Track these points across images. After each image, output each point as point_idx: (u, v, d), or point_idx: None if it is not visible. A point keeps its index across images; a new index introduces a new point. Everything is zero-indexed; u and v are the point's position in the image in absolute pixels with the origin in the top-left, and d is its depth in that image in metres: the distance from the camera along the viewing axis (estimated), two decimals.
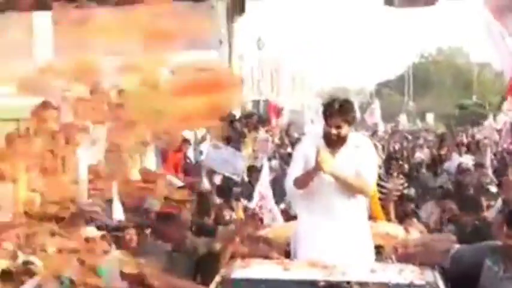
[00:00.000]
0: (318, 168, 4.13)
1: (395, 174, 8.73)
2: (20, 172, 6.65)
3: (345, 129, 4.24)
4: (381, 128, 21.35)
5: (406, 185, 8.92)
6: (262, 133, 12.86)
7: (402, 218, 7.04)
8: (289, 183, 4.44)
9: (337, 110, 4.21)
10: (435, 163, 12.83)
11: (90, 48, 16.42)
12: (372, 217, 6.83)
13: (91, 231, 5.35)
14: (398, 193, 8.51)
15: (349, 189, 4.28)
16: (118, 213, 6.29)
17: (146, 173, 8.28)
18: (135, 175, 8.16)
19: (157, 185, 7.84)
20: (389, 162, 8.86)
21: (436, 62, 57.56)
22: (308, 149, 4.36)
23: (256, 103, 24.19)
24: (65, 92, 9.21)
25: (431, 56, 60.22)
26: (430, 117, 38.46)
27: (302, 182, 4.30)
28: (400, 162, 9.96)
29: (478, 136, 17.92)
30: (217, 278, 3.98)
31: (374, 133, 18.26)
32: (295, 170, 4.40)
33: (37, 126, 7.84)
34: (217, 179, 9.62)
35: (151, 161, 8.66)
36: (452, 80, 53.44)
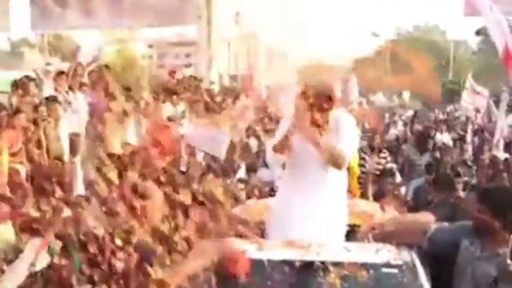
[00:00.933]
0: (294, 127, 4.10)
1: (376, 149, 8.84)
2: (4, 144, 6.79)
3: (326, 116, 4.21)
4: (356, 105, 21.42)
5: (388, 159, 8.99)
6: (243, 99, 12.79)
7: (382, 195, 7.12)
8: (269, 149, 4.40)
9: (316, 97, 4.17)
10: (420, 140, 12.80)
11: (68, 23, 16.26)
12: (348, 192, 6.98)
13: None
14: (381, 167, 8.60)
15: (326, 157, 4.15)
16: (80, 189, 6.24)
17: (127, 147, 8.35)
18: (117, 148, 8.24)
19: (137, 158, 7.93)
20: (369, 137, 8.97)
21: (413, 39, 57.81)
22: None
23: (233, 78, 24.22)
24: (47, 65, 9.38)
25: (408, 33, 60.46)
26: (406, 94, 38.80)
27: (280, 145, 4.23)
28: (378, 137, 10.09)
29: (455, 114, 18.12)
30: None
31: (351, 110, 18.37)
32: (276, 138, 4.34)
33: (20, 99, 7.99)
34: (199, 156, 9.64)
35: (131, 135, 8.71)
36: (429, 57, 53.77)
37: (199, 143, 9.20)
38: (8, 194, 6.01)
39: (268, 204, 4.89)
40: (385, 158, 8.98)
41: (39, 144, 7.58)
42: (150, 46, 65.22)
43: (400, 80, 46.30)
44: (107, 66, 10.00)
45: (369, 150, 8.81)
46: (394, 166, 9.80)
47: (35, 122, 7.65)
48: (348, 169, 7.26)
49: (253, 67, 15.18)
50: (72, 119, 8.54)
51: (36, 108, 7.92)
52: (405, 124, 17.39)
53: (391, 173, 8.91)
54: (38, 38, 18.43)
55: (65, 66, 10.74)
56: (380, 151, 9.13)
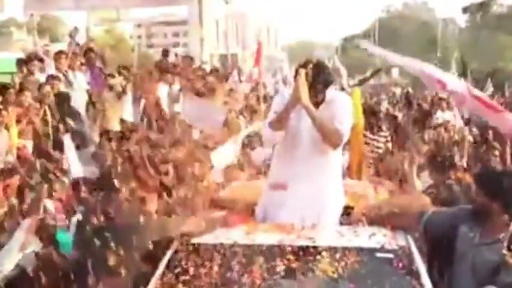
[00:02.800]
0: (295, 98, 3.94)
1: (375, 129, 8.66)
2: (12, 120, 7.08)
3: (321, 96, 4.08)
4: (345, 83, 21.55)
5: (388, 138, 8.78)
6: (238, 84, 12.88)
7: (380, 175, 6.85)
8: (265, 127, 4.21)
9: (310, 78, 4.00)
10: (420, 119, 12.56)
11: (58, 4, 16.36)
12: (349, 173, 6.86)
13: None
14: (381, 145, 8.43)
15: (321, 132, 3.99)
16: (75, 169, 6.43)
17: (124, 123, 8.60)
18: (115, 125, 8.48)
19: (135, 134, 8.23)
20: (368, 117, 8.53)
21: (402, 16, 57.96)
22: (286, 97, 4.10)
23: (223, 57, 24.27)
24: (45, 46, 9.60)
25: (397, 11, 60.56)
26: (395, 72, 38.91)
27: (278, 120, 4.05)
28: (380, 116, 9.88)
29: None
30: (176, 244, 3.76)
31: (342, 89, 18.49)
32: (271, 116, 4.15)
33: (25, 78, 8.22)
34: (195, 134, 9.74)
35: (128, 112, 8.89)
36: (417, 35, 53.97)
37: (195, 120, 9.26)
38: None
39: (260, 185, 4.64)
40: (385, 136, 8.77)
41: (45, 122, 7.85)
42: (139, 26, 65.01)
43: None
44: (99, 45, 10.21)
45: (369, 129, 8.47)
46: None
47: (40, 101, 7.88)
48: (351, 147, 7.42)
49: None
50: (73, 97, 8.77)
51: (40, 86, 8.13)
52: (396, 102, 17.44)
53: (391, 152, 8.49)
54: (26, 19, 18.40)
55: (60, 46, 10.91)
56: (380, 129, 8.94)
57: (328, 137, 3.99)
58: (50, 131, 7.78)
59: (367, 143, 8.06)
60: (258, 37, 39.98)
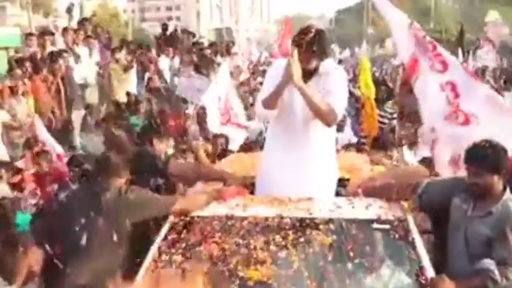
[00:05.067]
0: (287, 78, 3.83)
1: (380, 101, 8.68)
2: (30, 91, 7.72)
3: (315, 63, 3.96)
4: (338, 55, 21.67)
5: (394, 115, 8.74)
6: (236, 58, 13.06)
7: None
8: (258, 104, 4.13)
9: (307, 43, 3.89)
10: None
11: None
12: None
13: None
14: (386, 121, 8.48)
15: (315, 112, 3.89)
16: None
17: (130, 96, 8.97)
18: (122, 97, 8.84)
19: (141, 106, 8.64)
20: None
21: None
22: (279, 72, 3.96)
23: (219, 31, 24.37)
24: (54, 22, 9.92)
25: None
26: (389, 43, 38.97)
27: (270, 99, 3.96)
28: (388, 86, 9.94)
29: None
30: (172, 217, 3.80)
31: (340, 62, 18.70)
32: (264, 92, 4.06)
33: (40, 52, 8.58)
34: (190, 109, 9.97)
35: (133, 85, 9.21)
36: (410, 5, 53.86)
37: (189, 94, 9.47)
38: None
39: (256, 157, 4.64)
40: (391, 113, 8.72)
41: (58, 93, 8.25)
42: (132, 0, 64.68)
43: (383, 29, 46.55)
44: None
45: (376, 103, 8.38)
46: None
47: (53, 73, 8.22)
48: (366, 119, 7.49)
49: (236, 19, 15.20)
50: (80, 70, 9.14)
51: (53, 59, 8.43)
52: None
53: (392, 130, 8.44)
54: None
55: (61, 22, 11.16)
56: (385, 102, 8.96)
57: (322, 116, 3.90)
58: (64, 102, 8.19)
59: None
60: (251, 10, 39.96)
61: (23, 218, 5.02)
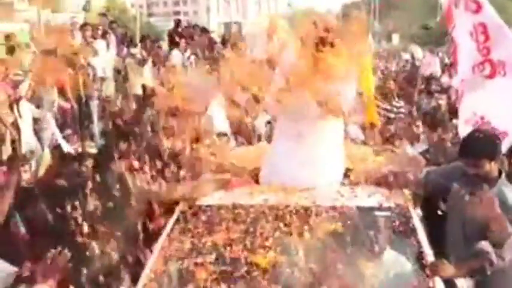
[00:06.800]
0: (296, 79, 3.88)
1: (389, 95, 8.75)
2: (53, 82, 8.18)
3: None
4: None
5: (402, 110, 8.77)
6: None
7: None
8: (268, 101, 4.17)
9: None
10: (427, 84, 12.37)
11: None
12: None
13: None
14: (392, 115, 8.45)
15: (324, 109, 3.92)
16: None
17: (146, 88, 9.29)
18: (138, 90, 9.18)
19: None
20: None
21: None
22: (292, 56, 4.02)
23: (227, 25, 24.52)
24: (72, 18, 10.34)
25: None
26: (395, 38, 38.94)
27: (282, 95, 3.96)
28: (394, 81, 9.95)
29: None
30: (182, 204, 3.93)
31: None
32: (277, 84, 4.07)
33: (61, 45, 8.96)
34: None
35: (148, 78, 9.53)
36: (417, 0, 53.82)
37: (193, 89, 9.75)
38: None
39: (264, 149, 4.72)
40: (397, 107, 8.74)
41: (77, 86, 8.64)
42: None
43: (389, 24, 46.62)
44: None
45: (380, 96, 8.48)
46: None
47: (73, 67, 8.59)
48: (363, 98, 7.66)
49: (243, 14, 15.43)
50: (98, 64, 9.51)
51: (73, 54, 8.78)
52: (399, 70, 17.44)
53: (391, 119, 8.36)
54: None
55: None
56: (393, 97, 8.97)
57: (331, 111, 3.95)
58: (83, 95, 8.69)
59: (378, 113, 8.12)
60: (258, 5, 40.08)
61: None
